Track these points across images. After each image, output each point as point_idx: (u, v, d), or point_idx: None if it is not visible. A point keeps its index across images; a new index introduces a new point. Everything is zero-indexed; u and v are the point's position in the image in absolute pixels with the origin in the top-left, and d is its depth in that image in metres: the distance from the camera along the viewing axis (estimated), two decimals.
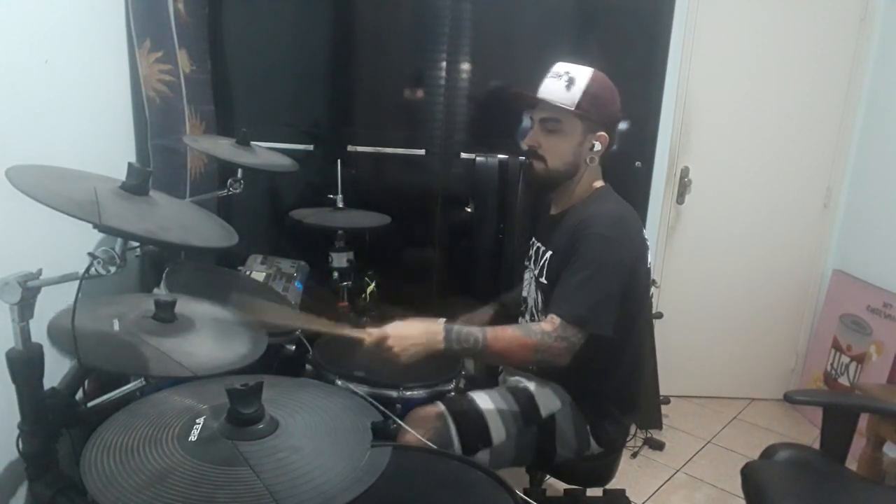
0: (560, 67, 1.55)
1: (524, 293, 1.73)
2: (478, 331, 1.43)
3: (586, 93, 1.51)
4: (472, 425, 1.51)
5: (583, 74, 1.53)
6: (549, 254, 1.59)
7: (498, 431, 1.53)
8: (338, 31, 2.67)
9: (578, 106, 1.51)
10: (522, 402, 1.59)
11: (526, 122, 1.66)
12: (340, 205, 2.28)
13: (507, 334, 1.43)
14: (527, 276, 1.73)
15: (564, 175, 1.58)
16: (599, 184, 1.63)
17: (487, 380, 1.82)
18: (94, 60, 1.75)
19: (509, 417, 1.56)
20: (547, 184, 1.61)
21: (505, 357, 1.49)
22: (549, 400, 1.60)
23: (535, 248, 1.70)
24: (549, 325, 1.42)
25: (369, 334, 1.40)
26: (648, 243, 1.60)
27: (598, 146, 1.56)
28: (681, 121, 2.92)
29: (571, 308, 1.42)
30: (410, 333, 1.40)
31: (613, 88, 1.58)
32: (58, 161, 1.11)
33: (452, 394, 1.65)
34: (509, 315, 1.83)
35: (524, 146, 1.62)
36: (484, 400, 1.57)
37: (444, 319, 1.49)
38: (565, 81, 1.53)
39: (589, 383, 1.59)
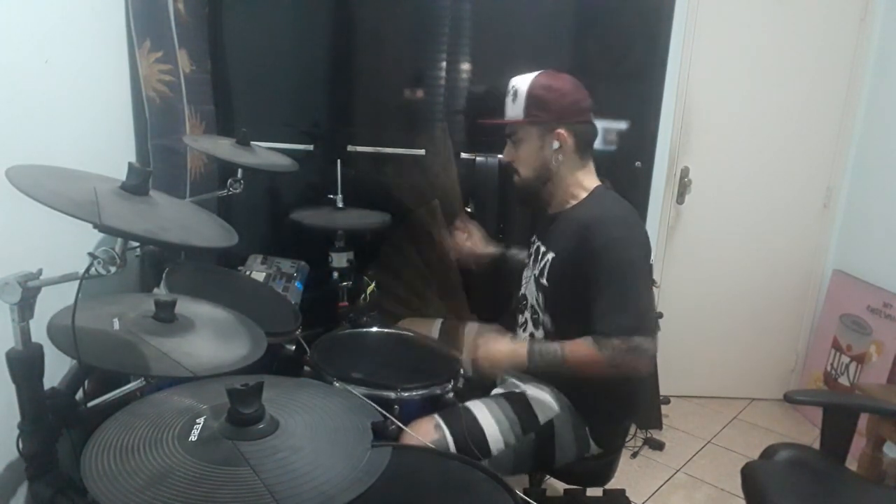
0: (511, 83, 1.62)
1: (523, 290, 1.73)
2: (557, 346, 1.49)
3: (528, 99, 1.57)
4: (471, 438, 1.50)
5: (524, 83, 1.58)
6: (550, 255, 1.59)
7: (496, 443, 1.52)
8: (338, 32, 2.67)
9: (526, 114, 1.57)
10: (520, 409, 1.57)
11: None
12: (340, 205, 2.28)
13: (581, 350, 1.46)
14: (526, 273, 1.73)
15: (538, 180, 1.63)
16: (594, 183, 1.62)
17: (485, 383, 1.82)
18: (94, 60, 1.75)
19: (507, 427, 1.54)
20: (527, 192, 1.66)
21: (583, 371, 1.49)
22: (546, 406, 1.59)
23: (535, 246, 1.70)
24: (618, 342, 1.42)
25: (462, 353, 1.61)
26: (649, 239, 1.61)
27: (556, 144, 1.58)
28: (681, 121, 2.92)
29: (626, 321, 1.42)
30: (498, 356, 1.53)
31: (560, 85, 1.58)
32: (58, 161, 1.11)
33: (451, 395, 1.64)
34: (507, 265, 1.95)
35: (503, 161, 1.71)
36: (481, 411, 1.56)
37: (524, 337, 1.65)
38: (512, 95, 1.60)
39: (588, 382, 1.58)
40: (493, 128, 1.68)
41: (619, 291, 1.44)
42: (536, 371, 1.52)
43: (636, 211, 1.59)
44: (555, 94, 1.57)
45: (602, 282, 1.45)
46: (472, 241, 2.00)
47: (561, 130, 1.57)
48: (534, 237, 1.74)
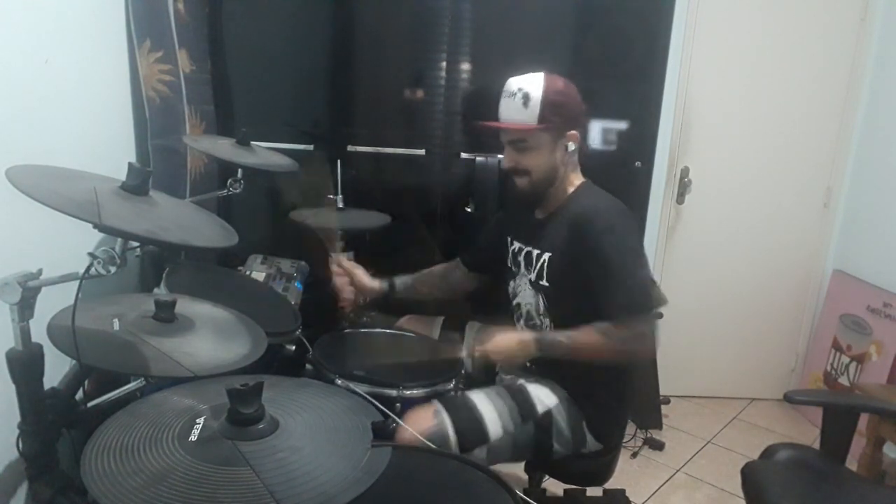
0: (512, 84, 1.56)
1: (517, 300, 1.72)
2: (563, 335, 1.51)
3: (544, 104, 1.52)
4: (469, 423, 1.52)
5: (535, 86, 1.53)
6: (546, 255, 1.60)
7: (495, 428, 1.54)
8: (338, 31, 2.67)
9: (540, 120, 1.53)
10: (518, 398, 1.59)
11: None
12: (340, 205, 2.28)
13: (587, 338, 1.48)
14: (517, 281, 1.71)
15: (548, 183, 1.62)
16: (580, 179, 1.66)
17: (486, 379, 1.82)
18: (94, 60, 1.75)
19: (506, 414, 1.56)
20: (536, 195, 1.64)
21: (590, 357, 1.52)
22: (544, 396, 1.61)
23: (523, 252, 1.68)
24: (623, 328, 1.45)
25: (473, 354, 1.56)
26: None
27: (571, 146, 1.59)
28: (681, 121, 2.92)
29: (629, 308, 1.46)
30: (509, 348, 1.53)
31: (568, 86, 1.58)
32: (58, 161, 1.11)
33: (452, 393, 1.65)
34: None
35: (505, 168, 1.65)
36: (480, 398, 1.58)
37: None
38: (521, 99, 1.54)
39: (585, 375, 1.59)
40: (493, 129, 1.66)
41: (619, 278, 1.47)
42: (545, 358, 1.53)
43: (620, 201, 1.60)
44: (569, 98, 1.57)
45: (603, 270, 1.48)
46: (354, 282, 1.90)
47: (573, 132, 1.59)
48: (515, 244, 1.73)
